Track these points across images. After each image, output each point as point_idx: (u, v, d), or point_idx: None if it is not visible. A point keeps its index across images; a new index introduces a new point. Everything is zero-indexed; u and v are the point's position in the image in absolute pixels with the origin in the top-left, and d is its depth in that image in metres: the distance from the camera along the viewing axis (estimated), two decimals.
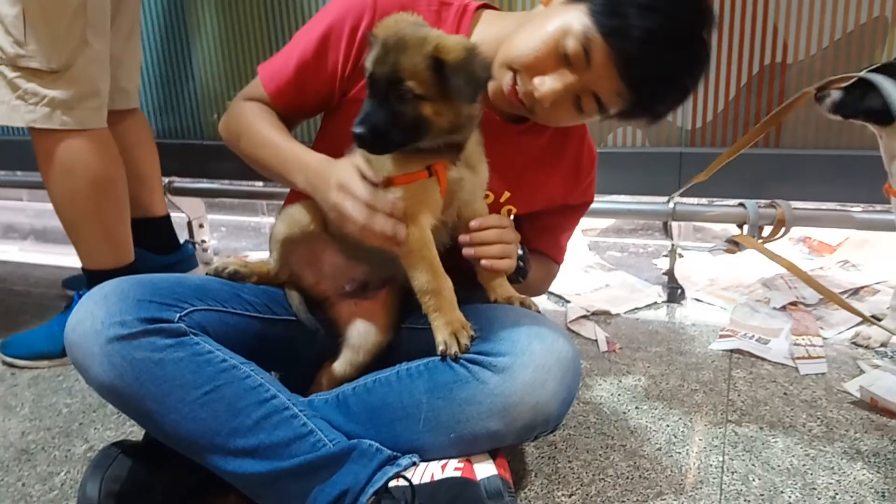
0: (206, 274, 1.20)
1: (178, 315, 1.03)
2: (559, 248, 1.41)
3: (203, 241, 2.40)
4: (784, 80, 1.83)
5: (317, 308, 1.22)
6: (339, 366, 1.19)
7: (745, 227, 1.76)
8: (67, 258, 2.51)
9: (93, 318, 0.99)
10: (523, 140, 1.24)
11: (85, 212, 1.60)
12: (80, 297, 1.62)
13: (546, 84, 1.07)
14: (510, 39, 1.11)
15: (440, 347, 1.01)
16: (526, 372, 0.99)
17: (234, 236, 2.67)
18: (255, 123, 1.21)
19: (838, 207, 1.89)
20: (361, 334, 1.18)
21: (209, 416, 0.99)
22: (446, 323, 1.02)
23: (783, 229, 1.77)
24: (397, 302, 1.21)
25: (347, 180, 1.01)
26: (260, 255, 2.40)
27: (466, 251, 1.11)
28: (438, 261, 1.05)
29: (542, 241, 1.36)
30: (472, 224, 1.11)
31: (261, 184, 2.37)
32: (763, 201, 1.82)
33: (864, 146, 1.79)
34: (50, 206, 1.62)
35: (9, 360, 1.69)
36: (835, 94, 1.45)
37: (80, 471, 1.25)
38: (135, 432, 1.34)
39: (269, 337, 1.17)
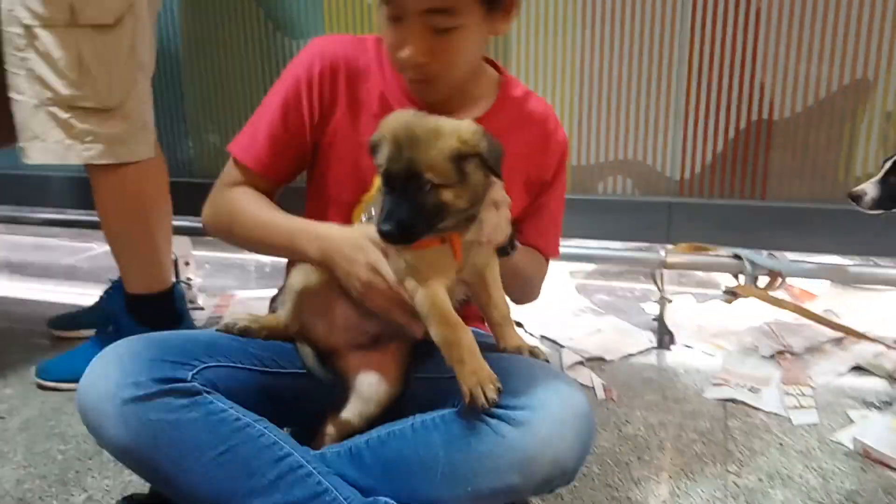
0: (217, 330, 1.20)
1: (190, 373, 1.03)
2: (545, 240, 1.39)
3: (189, 279, 2.38)
4: (770, 136, 1.90)
5: (326, 359, 1.22)
6: (348, 415, 1.19)
7: (741, 278, 1.81)
8: (49, 294, 2.48)
9: (106, 379, 0.99)
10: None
11: (143, 239, 1.71)
12: (118, 320, 1.76)
13: (403, 49, 1.11)
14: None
15: (466, 398, 1.00)
16: (545, 426, 1.00)
17: (219, 273, 2.65)
18: (246, 207, 1.24)
19: (824, 261, 1.96)
20: (372, 386, 1.19)
21: (225, 477, 0.99)
22: (471, 372, 1.02)
23: (780, 280, 1.82)
24: (407, 354, 1.22)
25: (377, 261, 1.07)
26: (246, 294, 2.39)
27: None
28: (454, 314, 1.06)
29: (524, 232, 1.35)
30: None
31: None
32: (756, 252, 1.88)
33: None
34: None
35: (51, 384, 1.72)
36: (870, 191, 1.49)
37: None
38: (133, 481, 1.32)
39: (278, 391, 1.17)
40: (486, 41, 1.19)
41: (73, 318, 2.06)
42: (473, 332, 1.23)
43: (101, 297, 2.05)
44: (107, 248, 1.76)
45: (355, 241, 1.09)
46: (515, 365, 1.09)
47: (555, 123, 1.32)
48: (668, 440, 1.45)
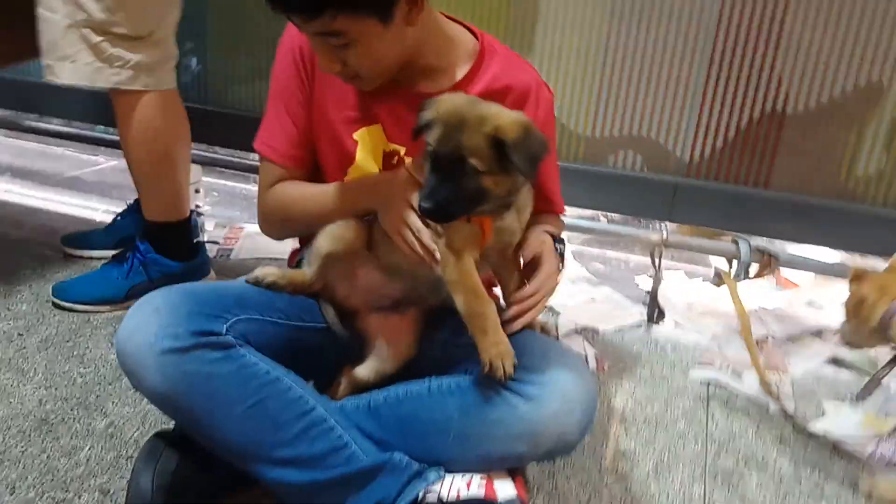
0: (246, 282, 1.25)
1: (224, 326, 1.09)
2: (555, 200, 1.43)
3: (198, 207, 2.41)
4: (781, 127, 1.95)
5: (346, 317, 1.28)
6: (364, 372, 1.27)
7: (735, 263, 1.89)
8: (58, 205, 2.51)
9: (146, 329, 1.06)
10: None
11: (162, 168, 1.76)
12: (136, 247, 1.82)
13: (320, 62, 1.19)
14: None
15: (486, 368, 1.07)
16: (555, 402, 1.08)
17: (227, 203, 2.68)
18: (292, 192, 1.34)
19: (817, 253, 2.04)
20: (389, 348, 1.26)
21: (254, 428, 1.07)
22: (493, 344, 1.08)
23: (767, 270, 1.90)
24: (424, 318, 1.28)
25: (409, 217, 1.14)
26: (254, 228, 2.43)
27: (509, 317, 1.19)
28: (481, 286, 1.12)
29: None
30: (526, 291, 1.20)
31: None
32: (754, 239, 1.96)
33: (846, 197, 1.95)
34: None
35: (68, 305, 1.77)
36: None
37: (104, 447, 1.30)
38: (152, 410, 1.39)
39: (303, 345, 1.24)
40: (405, 32, 1.16)
41: (86, 238, 2.10)
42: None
43: (116, 219, 2.10)
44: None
45: (397, 181, 1.18)
46: (530, 342, 1.17)
47: (537, 84, 1.32)
48: (654, 416, 1.55)
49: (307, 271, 1.28)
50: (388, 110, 1.28)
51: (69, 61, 1.63)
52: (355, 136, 1.30)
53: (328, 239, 1.24)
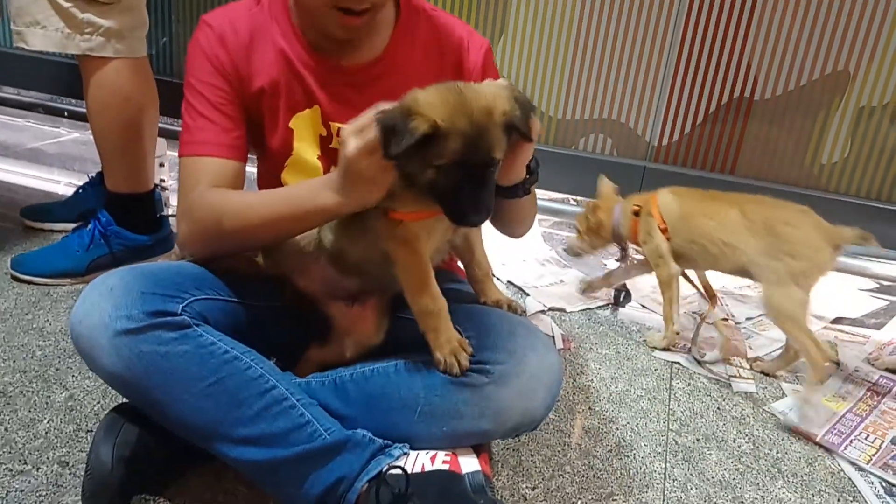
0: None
1: (180, 306, 1.07)
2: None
3: (163, 181, 2.37)
4: (749, 114, 1.98)
5: (310, 301, 1.27)
6: (327, 355, 1.26)
7: None
8: (17, 177, 2.45)
9: (100, 310, 1.04)
10: (392, 63, 1.26)
11: (129, 137, 1.73)
12: (97, 219, 1.77)
13: None
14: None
15: (440, 367, 1.08)
16: (520, 381, 1.09)
17: None
18: (229, 197, 1.17)
19: None
20: (353, 336, 1.24)
21: (213, 407, 1.05)
22: (444, 342, 1.09)
23: None
24: (388, 305, 1.27)
25: (352, 147, 1.00)
26: None
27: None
28: (434, 282, 1.11)
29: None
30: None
31: None
32: None
33: (811, 184, 1.98)
34: None
35: (26, 277, 1.74)
36: None
37: (62, 419, 1.28)
38: None
39: (264, 323, 1.23)
40: None
41: (47, 210, 2.06)
42: (456, 285, 1.31)
43: (77, 192, 2.06)
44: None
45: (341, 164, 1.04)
46: (496, 320, 1.17)
47: (468, 33, 1.31)
48: (618, 394, 1.56)
49: (261, 260, 1.26)
50: (323, 90, 1.24)
51: (39, 27, 1.61)
52: (291, 123, 1.26)
53: None
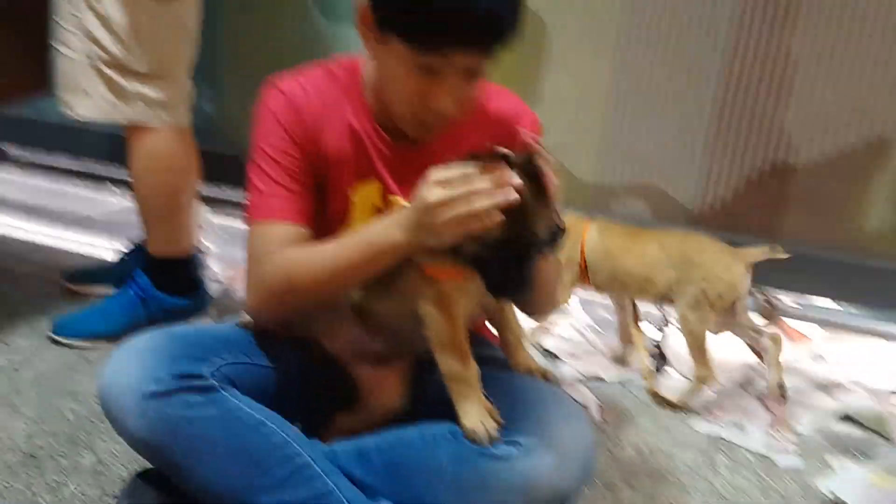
0: (237, 325, 1.24)
1: (209, 370, 1.08)
2: None
3: (202, 244, 2.42)
4: (788, 179, 1.95)
5: (337, 364, 1.25)
6: (354, 422, 1.24)
7: None
8: (64, 243, 2.51)
9: (128, 374, 1.06)
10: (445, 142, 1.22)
11: (173, 204, 1.77)
12: (135, 282, 1.81)
13: (439, 102, 1.09)
14: (384, 93, 1.16)
15: (467, 436, 1.06)
16: (551, 455, 1.05)
17: (232, 243, 2.68)
18: (298, 254, 1.14)
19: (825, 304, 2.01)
20: (378, 400, 1.23)
21: (236, 473, 1.05)
22: (474, 411, 1.07)
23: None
24: (413, 370, 1.25)
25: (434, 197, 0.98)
26: None
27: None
28: (468, 348, 1.10)
29: None
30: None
31: None
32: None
33: (855, 250, 1.92)
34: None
35: (66, 341, 1.76)
36: None
37: (89, 484, 1.27)
38: None
39: (291, 387, 1.23)
40: None
41: (89, 273, 2.10)
42: (487, 351, 1.29)
43: (121, 258, 2.10)
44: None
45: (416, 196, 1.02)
46: (527, 389, 1.14)
47: (520, 106, 1.29)
48: (658, 469, 1.50)
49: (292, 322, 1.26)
50: (386, 167, 1.24)
51: (87, 96, 1.67)
52: (352, 195, 1.25)
53: None
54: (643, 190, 2.07)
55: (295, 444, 1.08)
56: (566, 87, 2.06)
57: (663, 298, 1.76)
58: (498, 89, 1.31)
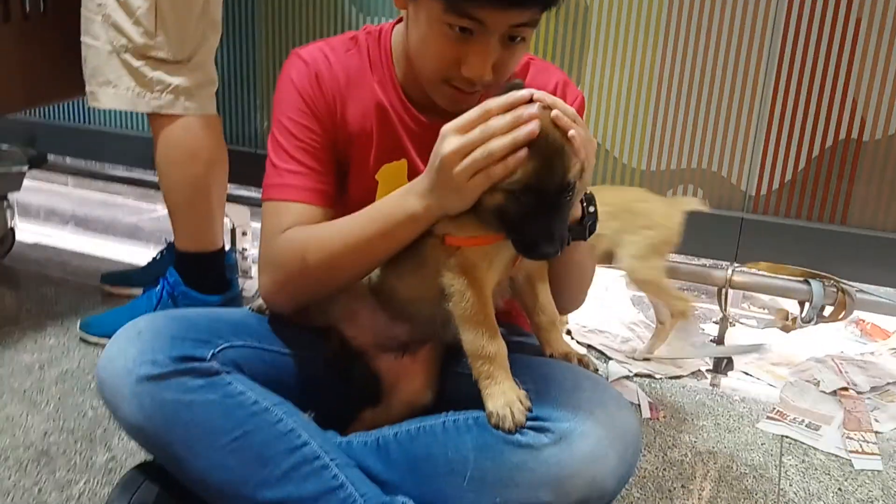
0: (251, 309, 1.16)
1: (210, 352, 0.99)
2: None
3: (244, 250, 2.37)
4: (858, 157, 1.77)
5: (358, 357, 1.16)
6: (378, 418, 1.14)
7: (807, 306, 1.70)
8: (108, 250, 2.51)
9: (125, 356, 0.97)
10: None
11: (200, 194, 1.71)
12: (166, 279, 1.76)
13: (476, 66, 0.99)
14: (414, 58, 1.06)
15: (492, 419, 0.95)
16: (586, 443, 0.93)
17: None
18: (313, 231, 1.06)
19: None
20: (401, 392, 1.13)
21: (237, 465, 0.95)
22: (500, 392, 0.96)
23: (843, 312, 1.70)
24: (439, 359, 1.15)
25: (449, 147, 0.90)
26: None
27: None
28: (495, 324, 0.99)
29: None
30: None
31: None
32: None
33: None
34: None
35: (94, 339, 1.73)
36: None
37: (100, 482, 1.21)
38: None
39: (307, 375, 1.13)
40: None
41: (126, 275, 2.07)
42: (517, 338, 1.17)
43: (155, 258, 2.07)
44: None
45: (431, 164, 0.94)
46: (560, 372, 1.02)
47: (564, 81, 1.19)
48: (717, 471, 1.36)
49: (311, 308, 1.18)
50: (414, 145, 1.14)
51: (111, 87, 1.64)
52: (377, 175, 1.16)
53: None
54: (698, 176, 1.92)
55: (303, 433, 0.98)
56: (611, 69, 1.94)
57: (608, 256, 1.71)
58: (544, 65, 1.21)
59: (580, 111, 1.18)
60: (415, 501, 0.98)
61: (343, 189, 1.18)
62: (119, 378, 0.96)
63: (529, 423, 0.94)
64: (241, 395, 0.97)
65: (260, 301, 1.18)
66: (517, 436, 0.94)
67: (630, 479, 1.28)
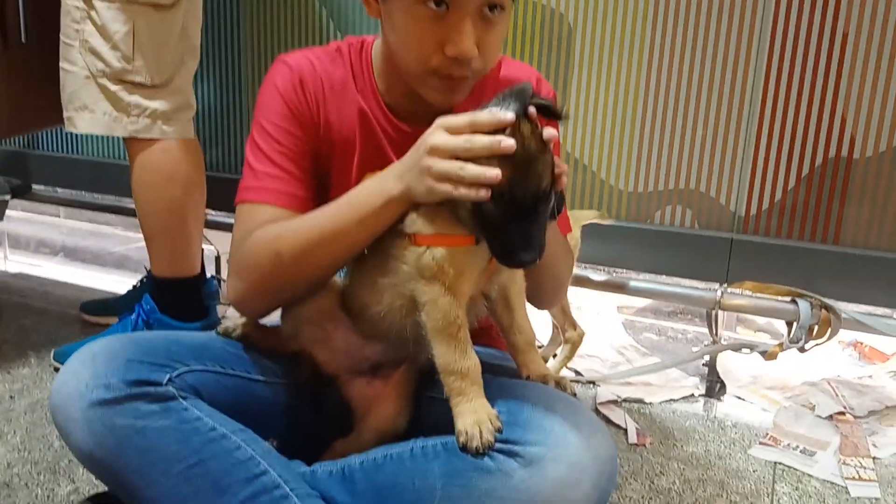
0: (216, 332, 1.13)
1: (168, 376, 0.95)
2: (561, 217, 1.24)
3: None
4: (849, 175, 1.74)
5: (329, 383, 1.12)
6: (354, 447, 1.09)
7: (795, 326, 1.65)
8: (92, 280, 2.48)
9: (77, 379, 0.93)
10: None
11: (176, 218, 1.68)
12: (141, 306, 1.73)
13: (458, 42, 0.97)
14: (397, 58, 1.05)
15: (461, 438, 0.91)
16: (558, 468, 0.88)
17: None
18: (284, 227, 1.04)
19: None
20: (373, 419, 1.09)
21: (192, 493, 0.91)
22: (471, 410, 0.92)
23: (828, 332, 1.65)
24: (412, 383, 1.10)
25: (437, 140, 0.90)
26: None
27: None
28: (468, 340, 0.96)
29: None
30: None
31: None
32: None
33: None
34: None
35: None
36: None
37: None
38: None
39: (272, 401, 1.09)
40: None
41: (105, 304, 2.04)
42: (494, 353, 1.14)
43: (135, 285, 2.04)
44: None
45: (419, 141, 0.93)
46: (534, 394, 0.97)
47: (537, 78, 1.18)
48: (706, 499, 1.30)
49: (284, 328, 1.14)
50: (396, 153, 1.13)
51: (87, 111, 1.63)
52: (362, 182, 1.10)
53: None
54: (686, 196, 1.89)
55: (263, 462, 0.94)
56: (596, 88, 1.92)
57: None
58: (512, 60, 1.21)
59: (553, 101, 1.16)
60: None
61: (324, 196, 1.14)
62: (71, 402, 0.92)
63: (499, 447, 0.90)
64: (197, 421, 0.93)
65: (227, 324, 1.14)
66: (486, 460, 0.90)
67: None
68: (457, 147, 0.88)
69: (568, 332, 1.77)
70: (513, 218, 0.87)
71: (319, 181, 1.15)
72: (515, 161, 0.86)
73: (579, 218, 1.78)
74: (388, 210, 0.96)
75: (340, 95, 1.14)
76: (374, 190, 0.97)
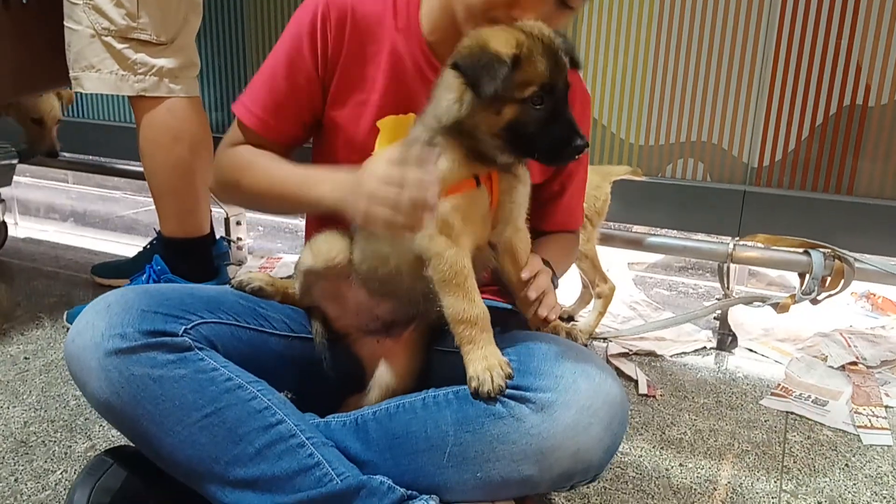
0: (230, 286, 1.13)
1: (183, 328, 0.95)
2: (571, 216, 1.29)
3: (239, 239, 2.34)
4: (863, 124, 1.71)
5: (340, 341, 1.12)
6: (368, 403, 1.09)
7: (807, 277, 1.63)
8: (102, 243, 2.49)
9: (93, 329, 0.93)
10: None
11: (185, 177, 1.68)
12: (151, 266, 1.73)
13: (528, 9, 0.98)
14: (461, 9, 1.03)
15: (472, 384, 0.91)
16: (569, 412, 0.88)
17: (270, 236, 2.60)
18: (254, 161, 1.14)
19: None
20: (383, 376, 1.09)
21: (208, 442, 0.91)
22: (481, 357, 0.92)
23: (842, 282, 1.63)
24: (422, 343, 1.10)
25: (381, 175, 0.90)
26: (294, 258, 2.33)
27: (530, 311, 1.05)
28: (476, 288, 0.95)
29: (551, 215, 1.25)
30: (523, 275, 1.03)
31: None
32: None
33: None
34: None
35: None
36: None
37: (77, 471, 1.17)
38: None
39: (285, 355, 1.09)
40: None
41: (115, 267, 2.05)
42: (504, 306, 1.13)
43: (145, 247, 2.04)
44: None
45: (366, 164, 0.94)
46: (543, 342, 0.97)
47: (577, 78, 1.19)
48: (718, 448, 1.30)
49: (295, 285, 1.14)
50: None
51: (94, 71, 1.62)
52: (379, 123, 1.12)
53: (309, 253, 1.10)
54: (698, 149, 1.86)
55: (279, 411, 0.94)
56: (606, 42, 1.88)
57: None
58: None
59: (585, 109, 1.24)
60: (394, 481, 0.93)
61: (333, 121, 1.15)
62: (87, 352, 0.92)
63: (510, 392, 0.91)
64: (213, 371, 0.93)
65: (241, 277, 1.14)
66: (497, 406, 0.90)
67: (625, 459, 1.24)
68: (392, 181, 0.88)
69: (599, 286, 1.75)
70: (554, 111, 0.91)
71: (317, 114, 1.16)
72: (548, 54, 0.90)
73: (611, 173, 1.77)
74: (315, 208, 1.05)
75: (368, 33, 1.11)
76: (314, 184, 1.03)
